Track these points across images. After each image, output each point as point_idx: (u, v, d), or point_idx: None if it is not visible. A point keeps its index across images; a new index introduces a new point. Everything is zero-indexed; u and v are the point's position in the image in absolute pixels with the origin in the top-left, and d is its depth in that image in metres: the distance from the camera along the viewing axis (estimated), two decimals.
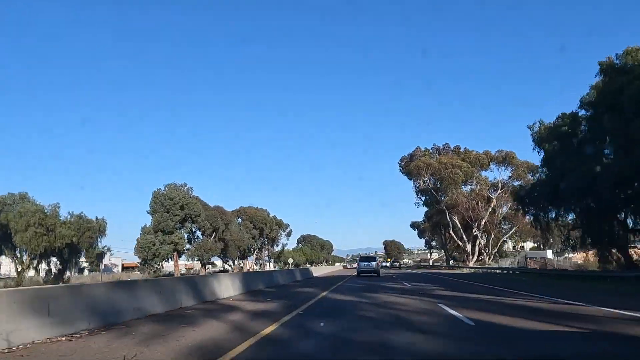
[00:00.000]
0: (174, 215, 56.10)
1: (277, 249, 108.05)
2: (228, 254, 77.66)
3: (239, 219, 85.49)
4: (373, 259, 38.73)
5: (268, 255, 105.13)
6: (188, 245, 64.83)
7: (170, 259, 59.16)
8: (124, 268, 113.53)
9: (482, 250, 55.71)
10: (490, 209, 54.08)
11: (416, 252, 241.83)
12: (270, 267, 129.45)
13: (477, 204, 52.86)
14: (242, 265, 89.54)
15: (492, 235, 54.29)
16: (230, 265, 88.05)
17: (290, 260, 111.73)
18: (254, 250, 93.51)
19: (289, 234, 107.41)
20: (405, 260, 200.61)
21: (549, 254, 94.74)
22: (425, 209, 78.98)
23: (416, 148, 76.32)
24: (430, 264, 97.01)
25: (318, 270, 49.88)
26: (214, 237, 66.88)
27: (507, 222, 58.99)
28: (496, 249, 56.51)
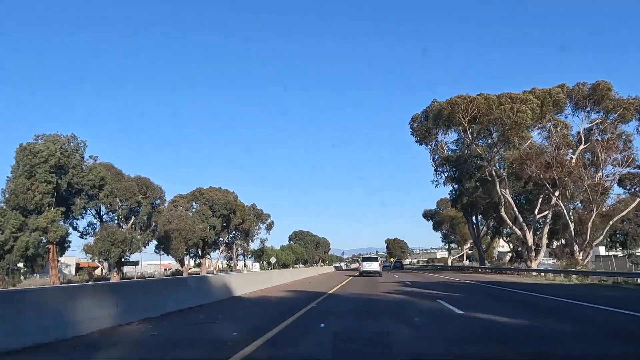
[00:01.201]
0: (43, 182, 32.46)
1: (255, 245, 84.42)
2: (172, 249, 54.05)
3: (195, 204, 61.93)
4: (375, 259, 35.85)
5: (243, 253, 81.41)
6: (92, 238, 41.21)
7: (42, 257, 35.47)
8: (80, 269, 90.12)
9: (574, 242, 31.55)
10: (582, 167, 29.88)
11: (418, 252, 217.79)
12: (250, 267, 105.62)
13: (572, 162, 28.71)
14: (200, 264, 65.78)
15: (594, 215, 29.97)
16: (178, 266, 64.03)
17: (273, 260, 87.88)
18: (221, 246, 69.86)
19: (269, 227, 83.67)
20: (409, 261, 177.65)
21: (602, 250, 70.39)
22: (449, 188, 55.37)
23: (432, 102, 52.77)
24: (449, 264, 73.11)
25: (285, 277, 26.55)
26: (132, 223, 43.15)
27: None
28: (600, 239, 32.62)
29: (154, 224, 45.90)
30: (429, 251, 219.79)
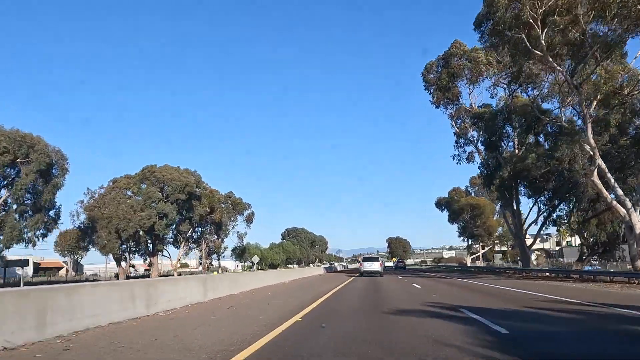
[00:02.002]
0: None
1: (230, 240, 69.34)
2: (97, 242, 39.21)
3: (143, 185, 46.94)
4: (376, 259, 34.31)
5: (217, 253, 66.22)
6: None
7: None
8: (40, 269, 75.39)
9: None
10: None
11: (419, 252, 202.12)
12: (235, 268, 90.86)
13: None
14: (152, 265, 50.59)
15: None
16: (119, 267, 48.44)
17: (256, 259, 72.75)
18: (181, 241, 54.72)
19: (249, 219, 68.41)
20: (413, 261, 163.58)
21: None
22: (473, 167, 40.56)
23: (454, 42, 38.78)
24: (468, 265, 58.02)
25: (193, 290, 11.81)
26: (4, 200, 28.17)
27: None
28: None
29: (58, 207, 30.99)
30: (430, 251, 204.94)
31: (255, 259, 73.88)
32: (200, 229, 59.10)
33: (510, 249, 60.58)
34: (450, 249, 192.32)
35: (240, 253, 79.79)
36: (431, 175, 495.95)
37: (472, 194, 63.71)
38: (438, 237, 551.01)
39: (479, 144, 38.33)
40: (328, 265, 69.13)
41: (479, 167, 39.87)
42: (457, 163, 43.47)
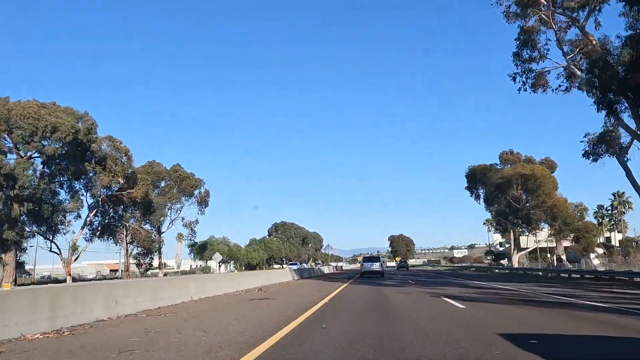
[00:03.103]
0: None
1: (176, 230, 48.92)
2: None
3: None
4: (377, 259, 34.24)
5: (150, 248, 45.95)
6: None
7: None
8: None
9: None
10: None
11: (420, 251, 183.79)
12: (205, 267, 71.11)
13: None
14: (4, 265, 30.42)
15: None
16: None
17: (218, 258, 52.61)
18: (84, 226, 34.61)
19: (203, 202, 48.24)
20: (421, 261, 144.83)
21: None
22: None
23: None
24: (515, 265, 37.87)
25: None
26: None
27: None
28: None
29: None
30: (432, 251, 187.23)
31: (217, 257, 53.82)
32: (121, 212, 39.15)
33: (572, 242, 40.38)
34: (452, 248, 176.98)
35: (200, 250, 59.98)
36: (432, 175, 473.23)
37: None
38: (438, 237, 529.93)
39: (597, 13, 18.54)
40: (298, 265, 48.60)
41: (579, 82, 20.04)
42: (518, 90, 25.92)
